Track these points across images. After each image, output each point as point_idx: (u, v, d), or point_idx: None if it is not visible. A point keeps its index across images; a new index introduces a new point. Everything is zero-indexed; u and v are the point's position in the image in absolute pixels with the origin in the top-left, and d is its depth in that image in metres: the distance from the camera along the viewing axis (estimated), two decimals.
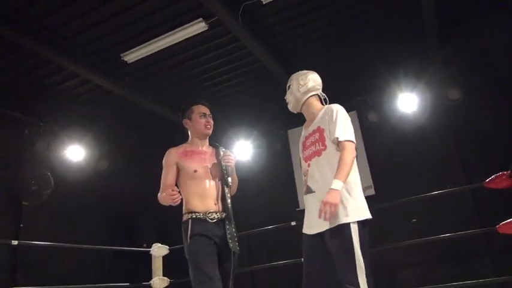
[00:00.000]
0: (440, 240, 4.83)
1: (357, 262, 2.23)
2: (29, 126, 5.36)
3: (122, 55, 4.79)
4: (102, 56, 4.89)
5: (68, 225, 5.44)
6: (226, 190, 2.65)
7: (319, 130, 2.48)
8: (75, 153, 5.60)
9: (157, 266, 4.60)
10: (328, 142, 2.42)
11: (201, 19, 4.33)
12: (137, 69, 5.22)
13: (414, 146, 5.56)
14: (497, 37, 4.91)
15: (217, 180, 2.66)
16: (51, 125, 5.46)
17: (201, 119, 2.74)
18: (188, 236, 2.49)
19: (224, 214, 2.59)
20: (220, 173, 2.69)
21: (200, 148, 2.75)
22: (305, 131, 2.66)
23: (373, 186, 5.73)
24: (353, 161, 2.36)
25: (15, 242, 4.11)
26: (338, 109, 2.48)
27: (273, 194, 6.07)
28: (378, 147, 5.85)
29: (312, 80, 2.66)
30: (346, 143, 2.36)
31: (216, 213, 2.56)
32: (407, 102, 5.42)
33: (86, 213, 5.81)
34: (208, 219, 2.52)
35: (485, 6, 4.71)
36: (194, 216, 2.53)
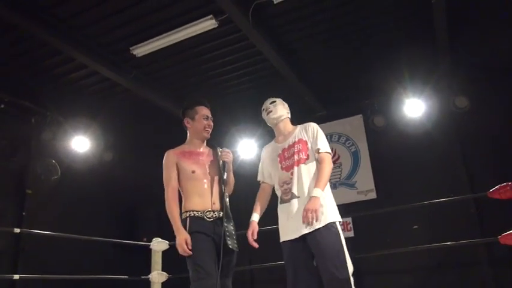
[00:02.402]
0: (441, 248, 4.82)
1: (347, 257, 2.46)
2: (35, 115, 5.40)
3: (131, 48, 4.79)
4: (112, 48, 4.90)
5: (70, 215, 5.48)
6: (224, 189, 2.69)
7: (302, 142, 2.77)
8: (80, 143, 5.63)
9: (157, 260, 4.62)
10: (310, 152, 2.72)
11: (211, 16, 4.33)
12: (145, 63, 5.23)
13: (419, 152, 5.54)
14: (507, 44, 4.88)
15: (215, 179, 2.70)
16: (57, 114, 5.49)
17: (203, 120, 2.79)
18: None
19: (221, 213, 2.63)
20: (218, 172, 2.73)
21: (198, 149, 2.79)
22: (279, 144, 2.90)
23: (375, 190, 5.72)
24: (331, 171, 2.65)
25: (17, 230, 4.14)
26: (317, 126, 2.83)
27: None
28: (382, 151, 5.83)
29: (287, 108, 3.07)
30: (325, 154, 2.67)
31: (214, 212, 2.60)
32: (414, 107, 5.40)
33: (88, 204, 5.84)
34: (206, 217, 2.57)
35: (495, 11, 4.68)
36: (192, 215, 2.58)
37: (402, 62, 5.27)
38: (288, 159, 2.76)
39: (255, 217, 2.88)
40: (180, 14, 4.38)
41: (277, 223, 4.98)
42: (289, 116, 3.03)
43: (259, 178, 3.01)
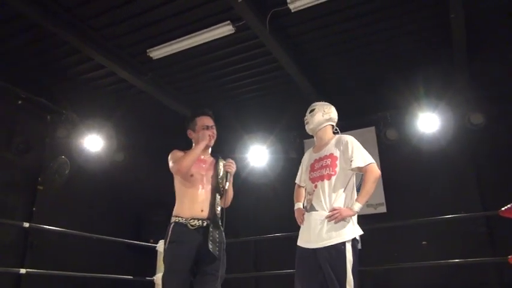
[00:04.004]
0: (449, 266, 4.75)
1: (347, 280, 2.43)
2: (51, 113, 5.47)
3: (148, 51, 4.86)
4: (129, 50, 4.97)
5: (79, 213, 5.52)
6: (218, 199, 2.67)
7: (332, 157, 2.73)
8: (93, 143, 5.69)
9: (162, 262, 4.62)
10: (338, 169, 2.68)
11: (228, 22, 4.37)
12: (161, 66, 5.28)
13: (431, 167, 5.47)
14: None
15: (209, 188, 2.70)
16: (72, 113, 5.56)
17: (203, 130, 2.79)
18: (167, 241, 2.57)
19: (206, 222, 2.60)
20: (215, 182, 2.72)
21: (201, 157, 2.80)
22: (314, 154, 2.89)
23: (385, 204, 5.66)
24: (376, 181, 2.63)
25: (26, 225, 4.19)
26: (351, 140, 2.73)
27: (285, 201, 6.04)
28: (394, 165, 5.77)
29: (333, 112, 2.95)
30: (368, 167, 2.64)
31: (199, 220, 2.58)
32: (428, 122, 5.35)
33: (98, 203, 5.89)
34: (189, 225, 2.56)
35: None
36: (177, 221, 2.59)
37: (418, 76, 5.24)
38: (316, 171, 2.78)
39: (299, 205, 2.91)
40: (198, 19, 4.43)
41: (284, 231, 4.99)
42: (332, 121, 2.92)
43: (296, 180, 3.01)
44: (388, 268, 5.02)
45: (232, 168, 2.74)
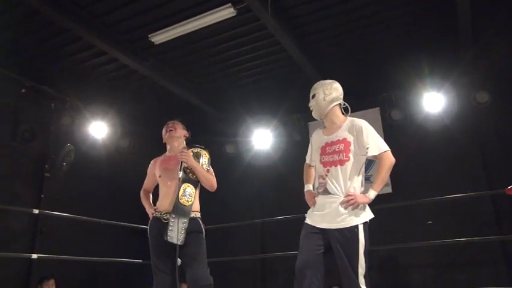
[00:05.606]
0: (455, 245, 4.77)
1: (359, 262, 2.43)
2: (55, 101, 5.48)
3: (149, 36, 4.82)
4: (131, 35, 4.94)
5: (86, 199, 5.58)
6: (186, 189, 2.82)
7: (345, 142, 2.64)
8: (98, 129, 5.72)
9: None
10: (351, 155, 2.61)
11: (229, 4, 4.32)
12: (163, 51, 5.26)
13: (437, 146, 5.46)
14: None
15: (176, 182, 2.86)
16: (76, 100, 5.57)
17: (163, 131, 3.13)
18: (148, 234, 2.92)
19: (169, 214, 2.77)
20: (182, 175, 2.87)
21: (170, 154, 3.06)
22: (325, 137, 2.78)
23: (390, 184, 5.67)
24: (391, 168, 2.63)
25: (36, 211, 4.26)
26: (365, 126, 2.65)
27: (290, 184, 6.07)
28: (399, 145, 5.67)
29: (336, 90, 2.78)
30: (383, 154, 2.62)
31: (167, 214, 2.79)
32: (433, 101, 5.31)
33: (104, 189, 5.94)
34: (162, 219, 2.80)
35: None
36: (154, 215, 2.89)
37: (423, 55, 5.18)
38: (328, 155, 2.69)
39: (309, 187, 2.85)
40: (199, 2, 4.38)
41: (289, 214, 5.02)
42: (337, 100, 2.75)
43: (307, 161, 2.91)
44: (394, 248, 5.06)
45: (183, 157, 2.84)
